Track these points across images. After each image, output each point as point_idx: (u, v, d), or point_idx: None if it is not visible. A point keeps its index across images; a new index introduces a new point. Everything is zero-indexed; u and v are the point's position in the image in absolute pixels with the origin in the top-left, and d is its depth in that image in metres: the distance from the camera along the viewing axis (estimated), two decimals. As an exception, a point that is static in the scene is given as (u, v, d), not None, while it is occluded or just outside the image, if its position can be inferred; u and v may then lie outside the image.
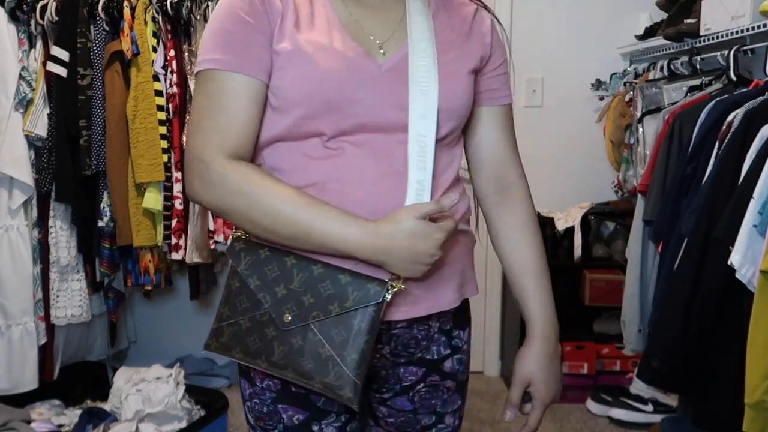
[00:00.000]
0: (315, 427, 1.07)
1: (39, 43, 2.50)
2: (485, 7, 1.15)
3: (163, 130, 2.42)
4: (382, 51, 1.03)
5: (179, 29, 2.48)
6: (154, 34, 2.42)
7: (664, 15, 2.84)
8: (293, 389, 1.06)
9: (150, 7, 2.41)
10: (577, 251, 2.95)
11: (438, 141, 1.04)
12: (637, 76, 2.96)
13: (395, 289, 0.97)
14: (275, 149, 1.04)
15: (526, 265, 1.14)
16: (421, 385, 1.12)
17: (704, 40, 2.41)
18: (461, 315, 1.15)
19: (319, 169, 1.00)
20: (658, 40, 2.74)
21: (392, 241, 0.95)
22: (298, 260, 0.99)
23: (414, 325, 1.08)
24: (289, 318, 0.98)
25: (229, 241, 1.07)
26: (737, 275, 1.63)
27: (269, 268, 1.00)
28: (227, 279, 1.04)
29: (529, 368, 1.12)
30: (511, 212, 1.16)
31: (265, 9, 1.00)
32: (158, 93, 2.42)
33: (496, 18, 1.17)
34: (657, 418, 2.69)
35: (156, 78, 2.42)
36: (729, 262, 1.64)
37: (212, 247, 2.52)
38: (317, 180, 1.00)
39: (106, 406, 2.51)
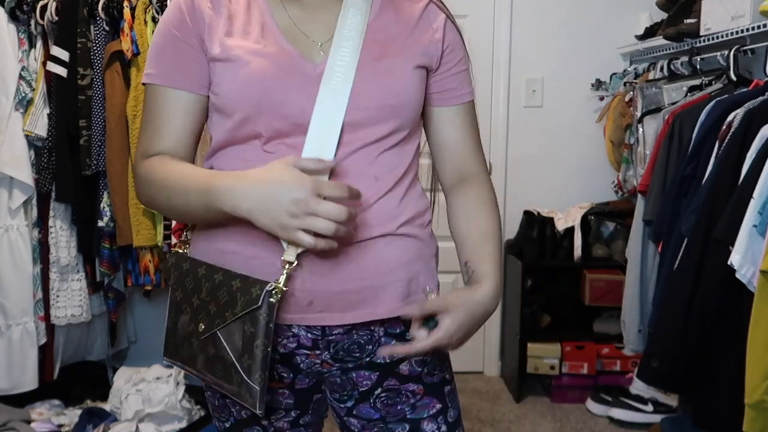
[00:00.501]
0: (264, 422, 1.11)
1: (39, 43, 2.50)
2: (438, 3, 1.13)
3: (163, 130, 2.42)
4: (322, 53, 1.04)
5: (179, 29, 2.48)
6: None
7: (664, 15, 2.84)
8: None
9: (150, 7, 2.41)
10: (577, 251, 2.95)
11: (381, 140, 1.04)
12: (637, 76, 2.96)
13: (276, 291, 0.94)
14: (224, 153, 1.06)
15: (481, 231, 1.09)
16: (379, 389, 1.08)
17: (704, 40, 2.41)
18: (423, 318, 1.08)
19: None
20: (658, 40, 2.74)
21: (259, 184, 0.92)
22: (207, 270, 1.01)
23: (353, 331, 1.05)
24: (203, 327, 1.00)
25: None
26: (737, 275, 1.63)
27: (187, 279, 1.04)
28: (169, 298, 1.08)
29: (457, 301, 1.00)
30: (467, 193, 1.13)
31: (193, 22, 1.04)
32: (158, 93, 2.42)
33: (449, 14, 1.13)
34: (657, 418, 2.69)
35: (156, 78, 2.42)
36: (729, 262, 1.64)
37: (212, 247, 2.51)
38: None
39: (106, 406, 2.51)
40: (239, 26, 1.04)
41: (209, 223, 1.06)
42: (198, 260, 1.04)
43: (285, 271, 0.96)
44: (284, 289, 0.96)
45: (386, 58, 1.04)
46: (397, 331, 1.08)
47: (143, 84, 1.08)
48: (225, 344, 0.98)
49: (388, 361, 1.08)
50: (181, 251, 1.11)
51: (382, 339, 1.07)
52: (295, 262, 0.97)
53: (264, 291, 0.94)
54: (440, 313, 0.99)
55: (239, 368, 0.96)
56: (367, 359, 1.08)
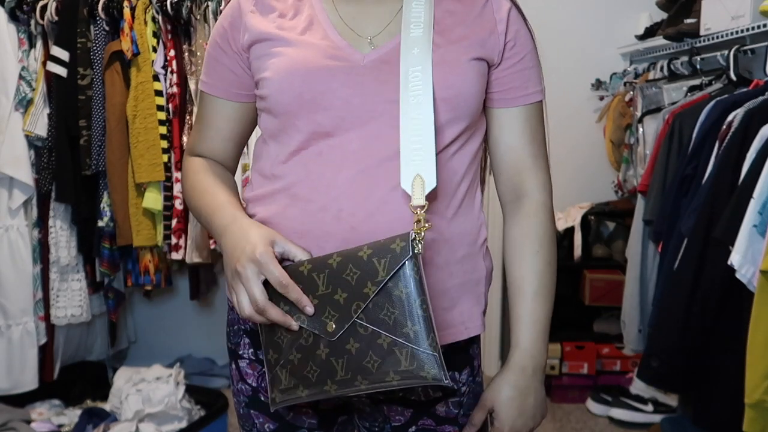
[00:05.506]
0: None
1: (39, 43, 2.50)
2: None
3: (163, 130, 2.42)
4: (372, 46, 1.00)
5: (179, 29, 2.48)
6: (154, 34, 2.42)
7: (664, 15, 2.84)
8: (262, 399, 1.05)
9: (150, 7, 2.41)
10: (577, 251, 2.95)
11: (437, 133, 0.96)
12: (637, 76, 2.96)
13: (422, 235, 0.87)
14: (265, 150, 1.05)
15: (520, 285, 1.05)
16: (413, 428, 1.05)
17: (704, 40, 2.41)
18: (455, 355, 1.04)
19: (291, 173, 1.00)
20: (658, 40, 2.74)
21: (234, 237, 0.95)
22: (312, 264, 0.91)
23: None
24: (333, 326, 0.89)
25: None
26: (737, 275, 1.63)
27: None
28: (259, 326, 0.96)
29: (494, 395, 1.03)
30: (517, 225, 1.07)
31: (233, 30, 1.05)
32: (158, 93, 2.42)
33: (517, 5, 1.05)
34: (657, 418, 2.69)
35: (156, 78, 2.42)
36: (729, 262, 1.64)
37: (212, 247, 2.52)
38: (286, 185, 1.00)
39: (106, 406, 2.51)
40: (285, 22, 1.02)
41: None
42: (292, 263, 0.94)
43: (419, 217, 0.89)
44: (428, 225, 0.88)
45: (441, 48, 0.98)
46: None
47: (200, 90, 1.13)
48: (373, 327, 0.87)
49: (424, 399, 1.03)
50: None
51: None
52: (426, 204, 0.90)
53: (409, 241, 0.85)
54: (491, 412, 1.03)
55: (405, 342, 0.85)
56: (400, 394, 1.03)
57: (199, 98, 1.17)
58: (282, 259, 0.94)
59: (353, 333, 0.88)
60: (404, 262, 0.85)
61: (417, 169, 0.92)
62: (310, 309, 0.90)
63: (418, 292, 0.85)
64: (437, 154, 0.97)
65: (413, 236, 0.86)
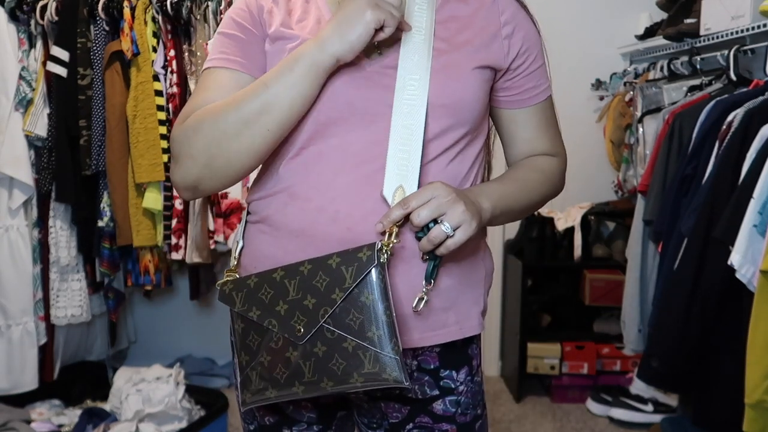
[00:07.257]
0: (286, 431, 1.09)
1: (39, 43, 2.50)
2: None
3: (163, 130, 2.42)
4: (379, 52, 1.01)
5: (179, 29, 2.48)
6: (154, 34, 2.42)
7: (664, 15, 2.84)
8: None
9: (150, 7, 2.41)
10: (577, 251, 2.94)
11: (430, 142, 0.98)
12: (637, 76, 2.96)
13: (389, 247, 0.91)
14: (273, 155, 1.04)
15: (506, 174, 1.10)
16: (411, 425, 1.05)
17: (704, 40, 2.41)
18: (452, 355, 1.05)
19: (292, 172, 1.00)
20: (658, 40, 2.74)
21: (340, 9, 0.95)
22: (285, 270, 0.96)
23: None
24: (302, 330, 0.93)
25: (218, 288, 1.03)
26: (737, 275, 1.63)
27: (262, 292, 0.97)
28: (232, 327, 1.01)
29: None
30: (528, 160, 1.12)
31: (256, 11, 1.05)
32: (158, 93, 2.42)
33: (525, 6, 1.07)
34: (657, 418, 2.69)
35: (156, 78, 2.42)
36: (729, 262, 1.64)
37: (212, 247, 2.52)
38: (287, 184, 1.00)
39: (106, 406, 2.51)
40: (295, 19, 1.04)
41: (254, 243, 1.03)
42: (266, 270, 0.98)
43: (390, 231, 0.92)
44: (396, 241, 0.92)
45: (445, 54, 1.00)
46: (431, 366, 1.04)
47: (203, 69, 1.06)
48: (339, 331, 0.91)
49: (421, 397, 1.05)
50: (234, 276, 1.03)
51: (414, 373, 1.04)
52: (401, 219, 0.93)
53: (375, 251, 0.90)
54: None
55: (368, 345, 0.90)
56: (398, 391, 1.04)
57: (203, 77, 1.06)
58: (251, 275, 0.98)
59: (320, 337, 0.93)
60: (370, 270, 0.90)
61: (401, 180, 0.95)
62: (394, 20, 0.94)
63: (383, 298, 0.90)
64: (437, 157, 0.99)
65: (379, 246, 0.91)
